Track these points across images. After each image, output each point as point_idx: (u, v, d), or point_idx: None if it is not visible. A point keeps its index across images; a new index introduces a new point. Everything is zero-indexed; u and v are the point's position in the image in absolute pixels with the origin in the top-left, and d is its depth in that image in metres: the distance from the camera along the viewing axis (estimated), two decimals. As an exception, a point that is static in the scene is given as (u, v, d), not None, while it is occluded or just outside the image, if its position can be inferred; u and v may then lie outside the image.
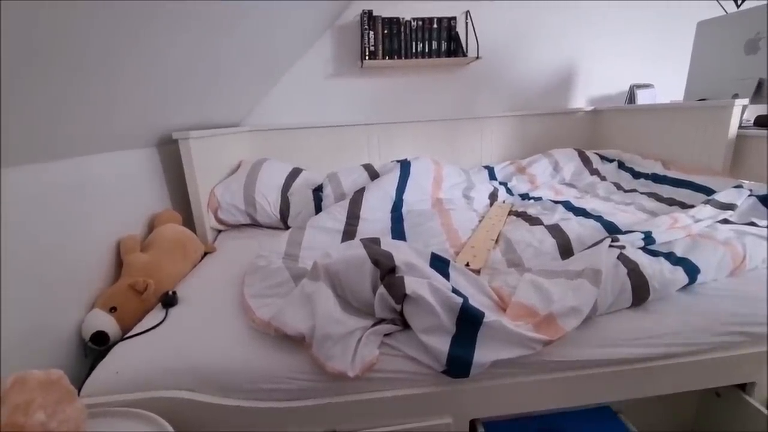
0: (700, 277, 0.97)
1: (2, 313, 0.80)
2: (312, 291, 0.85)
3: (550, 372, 0.86)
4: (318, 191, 1.79)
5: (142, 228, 1.38)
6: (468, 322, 0.79)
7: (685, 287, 0.97)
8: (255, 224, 1.74)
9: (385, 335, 0.86)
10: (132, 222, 1.33)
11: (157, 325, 0.95)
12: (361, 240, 0.95)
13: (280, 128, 2.22)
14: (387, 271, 0.86)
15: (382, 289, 0.83)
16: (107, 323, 1.00)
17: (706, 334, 0.90)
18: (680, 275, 0.96)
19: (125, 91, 1.04)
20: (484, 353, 0.78)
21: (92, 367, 0.86)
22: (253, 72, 1.81)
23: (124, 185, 1.29)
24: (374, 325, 0.85)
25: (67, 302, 1.00)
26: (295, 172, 1.91)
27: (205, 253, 1.46)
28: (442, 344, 0.79)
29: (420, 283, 0.81)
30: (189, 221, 1.55)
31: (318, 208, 1.69)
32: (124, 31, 0.83)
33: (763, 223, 1.17)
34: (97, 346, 0.98)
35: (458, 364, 0.78)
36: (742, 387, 1.01)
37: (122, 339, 0.94)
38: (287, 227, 1.67)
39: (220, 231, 1.72)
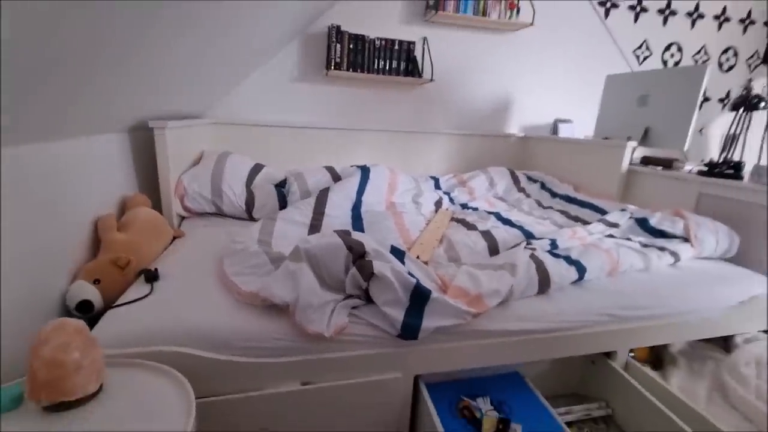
0: (586, 275, 1.30)
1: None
2: (295, 269, 1.03)
3: (476, 338, 1.12)
4: (280, 187, 1.93)
5: (113, 209, 1.42)
6: (419, 297, 1.02)
7: (576, 282, 1.29)
8: (220, 213, 1.83)
9: (353, 307, 1.06)
10: (104, 203, 1.37)
11: (146, 295, 1.06)
12: (335, 231, 1.15)
13: (246, 123, 2.31)
14: (359, 256, 1.06)
15: (354, 270, 1.04)
16: (92, 293, 1.08)
17: (588, 315, 1.21)
18: (573, 273, 1.27)
19: (99, 79, 1.02)
20: (429, 321, 1.02)
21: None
22: (223, 67, 1.85)
23: (96, 168, 1.33)
24: (345, 299, 1.06)
25: (48, 277, 1.04)
26: (257, 168, 2.01)
27: (174, 238, 1.55)
28: (397, 314, 1.01)
29: (384, 265, 1.03)
30: (156, 206, 1.61)
31: (282, 203, 1.83)
32: (98, 21, 0.79)
33: (637, 238, 1.56)
34: (83, 314, 1.07)
35: (409, 330, 1.01)
36: (608, 355, 1.37)
37: (109, 308, 1.03)
38: (251, 218, 1.80)
39: (183, 218, 1.80)
